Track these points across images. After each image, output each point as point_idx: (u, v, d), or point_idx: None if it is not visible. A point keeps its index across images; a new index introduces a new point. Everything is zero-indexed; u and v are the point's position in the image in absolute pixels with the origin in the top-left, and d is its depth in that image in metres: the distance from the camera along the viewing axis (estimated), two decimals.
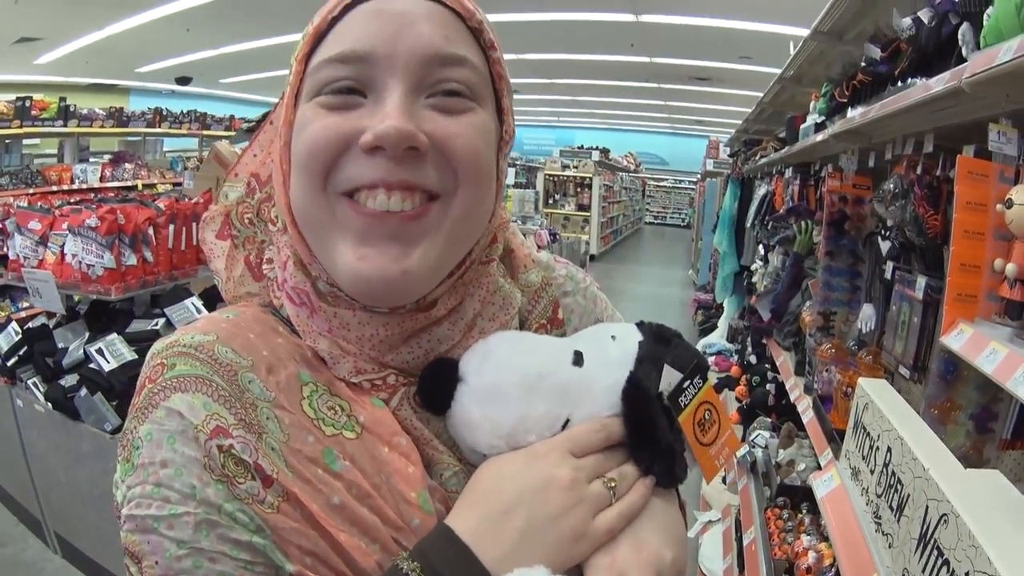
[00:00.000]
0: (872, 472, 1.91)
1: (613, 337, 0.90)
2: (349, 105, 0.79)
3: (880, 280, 2.97)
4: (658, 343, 0.90)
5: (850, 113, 3.19)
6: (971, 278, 1.94)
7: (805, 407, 3.52)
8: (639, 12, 12.17)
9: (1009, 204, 1.77)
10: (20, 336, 4.29)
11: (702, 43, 13.40)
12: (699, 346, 8.17)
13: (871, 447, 1.91)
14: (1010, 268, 1.77)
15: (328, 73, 0.80)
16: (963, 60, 2.00)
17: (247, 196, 0.94)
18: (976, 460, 2.11)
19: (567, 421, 0.83)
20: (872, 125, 3.00)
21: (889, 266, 2.78)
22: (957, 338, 1.89)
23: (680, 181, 34.51)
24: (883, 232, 2.82)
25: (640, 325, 0.93)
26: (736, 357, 6.79)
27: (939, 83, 2.07)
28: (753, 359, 5.28)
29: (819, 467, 3.15)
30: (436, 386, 0.85)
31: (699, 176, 18.36)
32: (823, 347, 3.31)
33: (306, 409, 0.81)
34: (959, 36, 2.05)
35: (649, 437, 0.84)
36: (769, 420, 4.30)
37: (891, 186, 2.71)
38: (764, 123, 7.63)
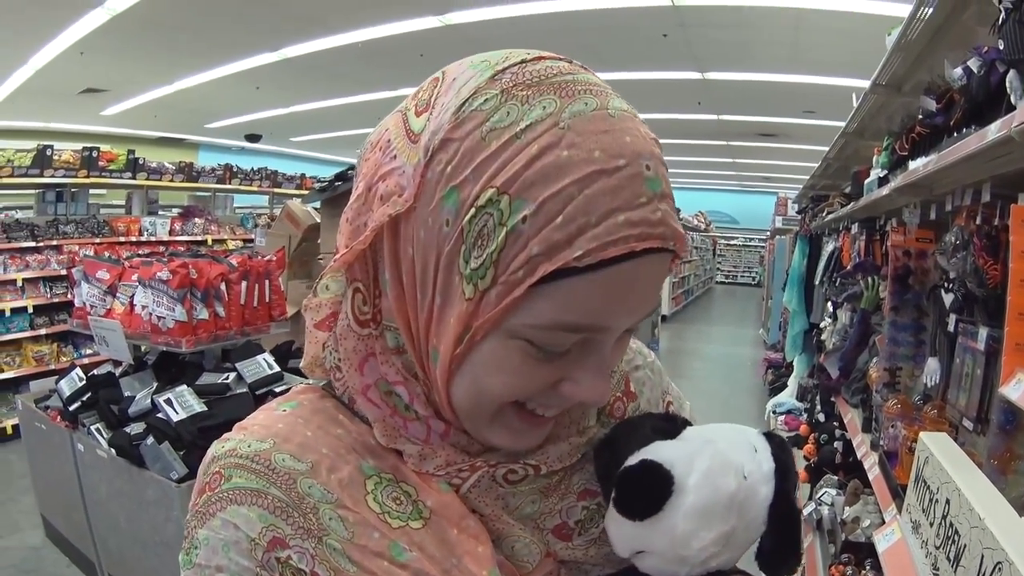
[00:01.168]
0: (932, 525, 1.88)
1: (754, 448, 0.90)
2: (559, 355, 0.76)
3: (944, 333, 2.93)
4: (784, 454, 0.92)
5: (911, 165, 3.19)
6: None
7: (871, 464, 3.46)
8: (704, 70, 12.24)
9: None
10: (84, 382, 4.33)
11: (766, 99, 13.38)
12: (769, 405, 8.06)
13: (931, 500, 1.90)
14: None
15: (558, 339, 0.73)
16: (1012, 108, 2.01)
17: (362, 304, 0.83)
18: None
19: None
20: (932, 177, 3.00)
21: (952, 319, 2.73)
22: (1016, 388, 1.88)
23: (750, 239, 34.18)
24: (946, 285, 2.80)
25: (767, 436, 0.95)
26: (805, 416, 6.67)
27: (992, 132, 2.09)
28: (821, 417, 5.20)
29: (883, 523, 3.08)
30: (645, 493, 0.82)
31: (768, 234, 18.20)
32: (889, 403, 3.26)
33: (371, 504, 0.81)
34: (1007, 84, 2.07)
35: (794, 552, 0.89)
36: (836, 478, 4.22)
37: (952, 238, 2.69)
38: (830, 178, 7.58)
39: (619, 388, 1.03)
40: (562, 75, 0.72)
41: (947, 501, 1.81)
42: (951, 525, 1.75)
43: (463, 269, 0.70)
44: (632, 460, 0.84)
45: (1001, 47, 2.15)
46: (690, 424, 0.98)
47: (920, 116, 3.05)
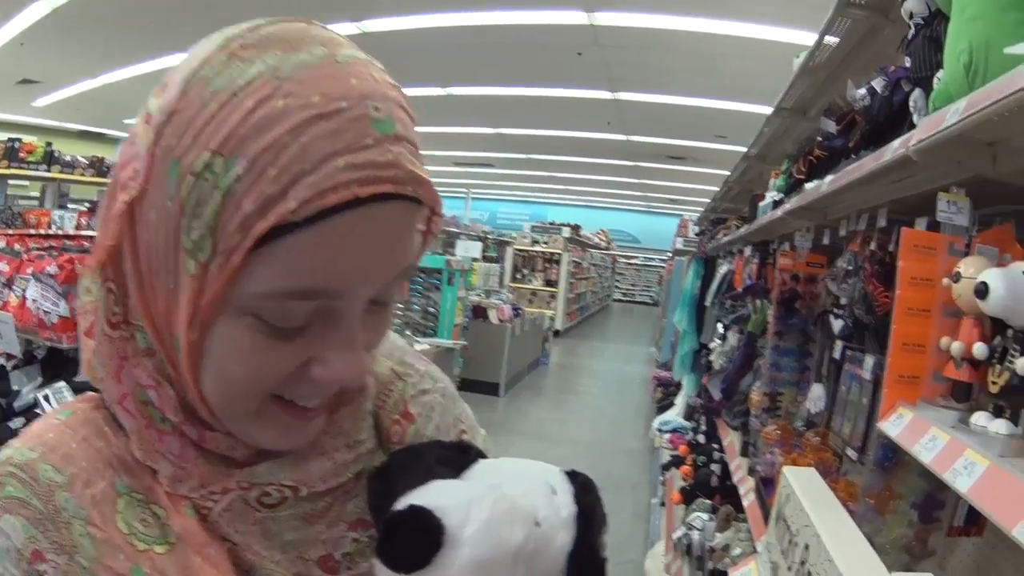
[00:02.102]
0: (790, 570, 1.75)
1: (552, 489, 0.83)
2: (297, 331, 0.71)
3: (831, 360, 2.86)
4: (588, 497, 0.87)
5: (807, 188, 3.11)
6: (915, 358, 1.81)
7: (747, 489, 3.37)
8: (616, 90, 12.32)
9: (957, 278, 1.65)
10: None
11: (678, 122, 13.59)
12: (655, 423, 8.04)
13: (790, 542, 1.76)
14: (956, 347, 1.64)
15: (288, 310, 0.68)
16: (914, 127, 1.91)
17: (114, 304, 0.78)
18: (920, 551, 1.97)
19: None
20: (826, 200, 2.92)
21: (839, 345, 2.66)
22: (895, 423, 1.75)
23: (651, 259, 34.74)
24: (835, 311, 2.72)
25: (570, 475, 0.89)
26: (691, 435, 6.65)
27: (889, 152, 1.98)
28: (701, 438, 5.13)
29: (755, 552, 2.98)
30: (411, 545, 0.73)
31: (670, 254, 18.49)
32: (768, 428, 3.17)
33: (120, 524, 0.77)
34: (911, 103, 1.97)
35: None
36: (708, 502, 4.12)
37: (844, 263, 2.61)
38: (732, 201, 7.61)
39: (398, 409, 0.97)
40: (294, 33, 0.67)
41: (806, 546, 1.67)
42: (809, 574, 1.61)
43: (186, 244, 0.66)
44: (401, 503, 0.75)
45: (908, 64, 2.05)
46: (484, 456, 0.90)
47: (819, 139, 2.96)
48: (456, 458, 0.85)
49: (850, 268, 2.58)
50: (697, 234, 10.12)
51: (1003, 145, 1.71)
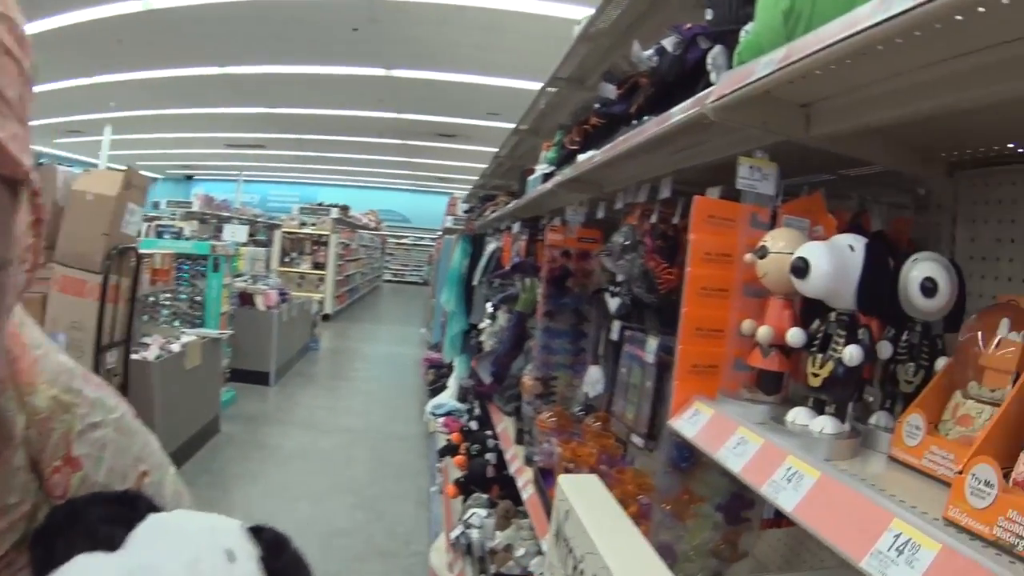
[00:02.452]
0: None
1: (230, 556, 0.71)
2: None
3: (608, 341, 2.64)
4: (281, 559, 0.77)
5: (580, 159, 2.87)
6: (711, 344, 1.58)
7: (524, 481, 3.11)
8: (391, 67, 12.02)
9: (763, 253, 1.42)
10: None
11: (451, 99, 13.47)
12: (428, 407, 7.75)
13: (575, 568, 1.47)
14: (763, 331, 1.41)
15: None
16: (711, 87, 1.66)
17: None
18: (730, 554, 1.79)
19: None
20: (601, 171, 2.68)
21: (617, 325, 2.47)
22: (691, 421, 1.51)
23: (421, 239, 34.57)
24: (612, 289, 2.49)
25: (255, 531, 0.78)
26: (466, 417, 6.39)
27: (679, 114, 1.73)
28: (475, 425, 4.87)
29: (540, 553, 2.73)
30: None
31: (439, 233, 18.33)
32: (543, 416, 2.93)
33: None
34: (708, 61, 1.72)
35: None
36: (485, 497, 3.86)
37: (621, 238, 2.40)
38: (502, 178, 7.42)
39: (59, 453, 0.81)
40: None
41: None
42: None
43: None
44: None
45: (709, 17, 1.81)
46: (156, 509, 0.77)
47: (597, 105, 2.71)
48: (123, 515, 0.73)
49: (628, 243, 2.36)
50: (466, 212, 9.93)
51: (820, 106, 1.49)
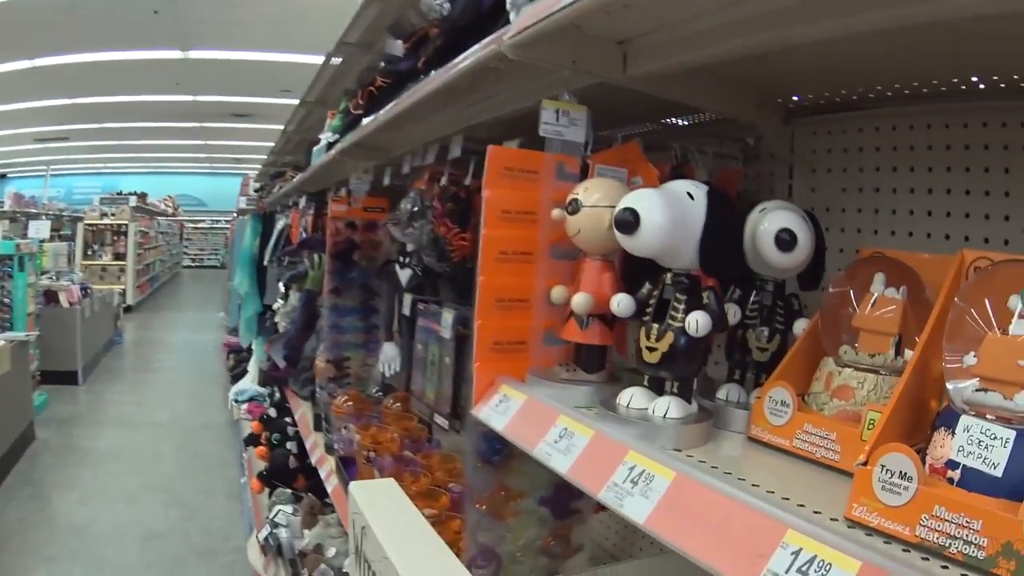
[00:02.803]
0: None
1: None
2: None
3: (401, 315, 2.28)
4: None
5: (363, 123, 2.46)
6: (515, 317, 1.26)
7: (327, 472, 2.71)
8: (187, 48, 11.09)
9: (574, 207, 1.11)
10: None
11: (245, 78, 12.68)
12: (231, 394, 7.08)
13: None
14: (579, 300, 1.11)
15: None
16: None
17: None
18: (562, 550, 1.52)
19: None
20: (386, 135, 2.31)
21: (409, 299, 2.13)
22: (500, 409, 1.19)
23: (217, 221, 32.49)
24: (401, 260, 2.13)
25: None
26: (268, 402, 5.83)
27: (471, 57, 1.38)
28: (273, 412, 4.35)
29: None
30: None
31: (235, 214, 17.26)
32: (338, 400, 2.55)
33: None
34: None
35: None
36: (289, 491, 3.39)
37: (408, 204, 2.06)
38: (292, 153, 6.80)
39: None
40: None
41: None
42: None
43: None
44: None
45: None
46: None
47: (382, 64, 2.30)
48: None
49: (416, 209, 2.04)
50: (256, 191, 9.19)
51: (639, 43, 1.21)
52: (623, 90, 1.25)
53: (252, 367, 7.00)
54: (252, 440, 4.32)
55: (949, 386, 0.88)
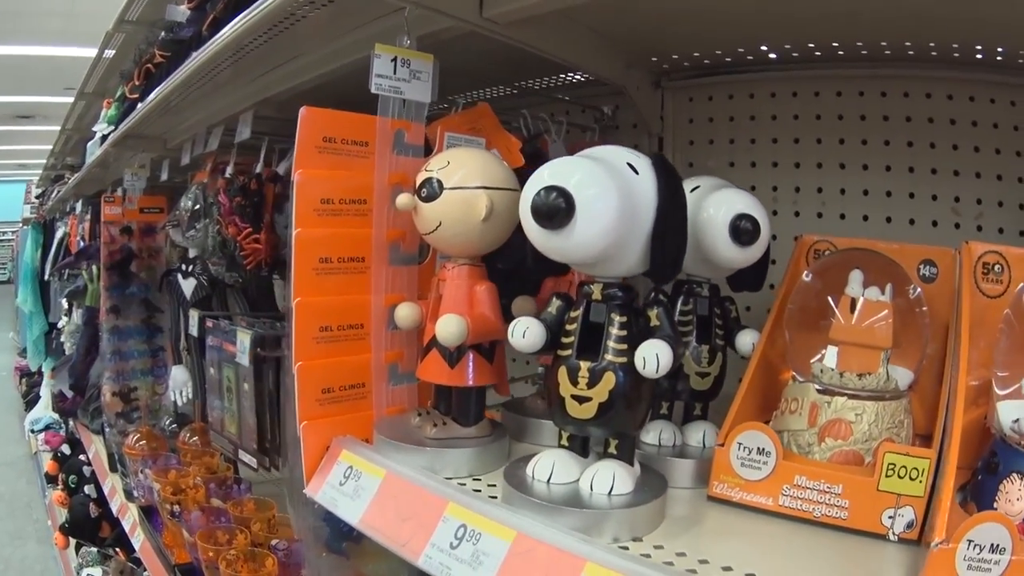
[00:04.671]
0: None
1: None
2: None
3: (187, 334, 1.74)
4: None
5: (138, 108, 1.83)
6: (348, 350, 0.79)
7: (131, 524, 2.07)
8: None
9: (431, 192, 0.68)
10: None
11: (28, 76, 10.80)
12: (26, 423, 5.91)
13: None
14: (449, 325, 0.68)
15: None
16: None
17: None
18: None
19: None
20: (162, 120, 1.72)
21: (195, 314, 1.63)
22: (349, 491, 0.73)
23: (4, 233, 28.47)
24: (183, 268, 1.66)
25: None
26: (64, 431, 4.81)
27: (261, 10, 0.89)
28: (67, 449, 3.46)
29: None
30: None
31: (21, 224, 15.03)
32: (130, 440, 1.93)
33: None
34: None
35: None
36: (96, 551, 2.62)
37: (188, 202, 1.57)
38: (72, 154, 5.68)
39: None
40: None
41: None
42: None
43: None
44: None
45: None
46: None
47: (162, 34, 1.67)
48: None
49: (198, 207, 1.55)
50: (37, 197, 7.81)
51: None
52: (472, 40, 0.83)
53: (44, 391, 5.88)
54: (50, 479, 3.46)
55: (1001, 413, 0.55)
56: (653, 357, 0.56)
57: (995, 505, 0.53)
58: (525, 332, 0.60)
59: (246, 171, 1.44)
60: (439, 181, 0.68)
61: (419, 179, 0.71)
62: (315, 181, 0.74)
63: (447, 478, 0.68)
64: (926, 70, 0.95)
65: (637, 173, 0.58)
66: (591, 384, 0.59)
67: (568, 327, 0.62)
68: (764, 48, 1.00)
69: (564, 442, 0.64)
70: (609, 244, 0.56)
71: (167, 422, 1.96)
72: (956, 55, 0.90)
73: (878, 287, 0.69)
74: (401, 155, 0.78)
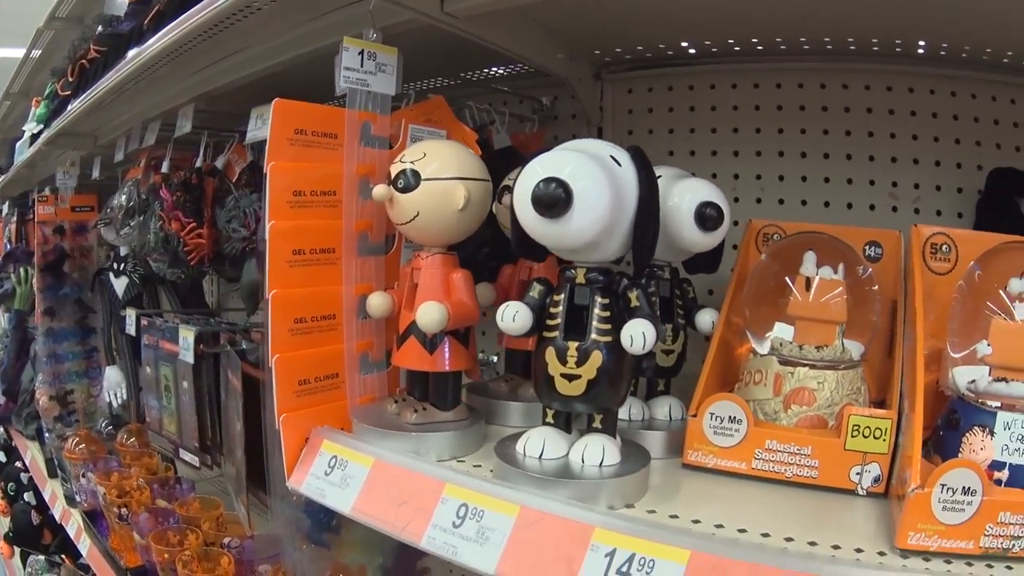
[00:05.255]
0: None
1: None
2: None
3: (123, 333, 1.68)
4: None
5: (72, 106, 1.71)
6: (321, 341, 0.77)
7: (76, 530, 1.95)
8: None
9: (407, 182, 0.68)
10: None
11: None
12: None
13: None
14: (431, 312, 0.67)
15: None
16: None
17: None
18: None
19: None
20: (96, 117, 1.62)
21: (132, 314, 1.56)
22: (337, 480, 0.71)
23: None
24: (115, 267, 1.58)
25: None
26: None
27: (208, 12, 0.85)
28: (2, 456, 3.23)
29: None
30: None
31: None
32: (69, 444, 1.83)
33: None
34: None
35: None
36: (43, 559, 2.47)
37: (122, 199, 1.51)
38: (3, 155, 5.30)
39: None
40: None
41: None
42: None
43: None
44: None
45: None
46: None
47: (99, 29, 1.56)
48: None
49: (132, 204, 1.48)
50: None
51: None
52: (421, 33, 0.81)
53: None
54: None
55: (957, 376, 0.59)
56: (640, 335, 0.57)
57: (959, 455, 0.56)
58: (515, 315, 0.60)
59: (180, 166, 1.38)
60: (415, 172, 0.67)
61: (394, 170, 0.69)
62: (287, 173, 0.71)
63: (456, 467, 0.67)
64: (866, 63, 0.98)
65: (620, 165, 0.59)
66: (580, 363, 0.60)
67: (552, 310, 0.62)
68: (708, 43, 1.01)
69: (549, 420, 0.64)
70: (601, 231, 0.57)
71: (103, 424, 1.87)
72: (898, 49, 0.93)
73: (831, 267, 0.72)
74: (367, 147, 0.76)
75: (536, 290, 0.63)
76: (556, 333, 0.61)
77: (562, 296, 0.62)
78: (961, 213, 0.98)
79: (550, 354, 0.61)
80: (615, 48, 1.07)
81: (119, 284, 1.53)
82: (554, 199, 0.54)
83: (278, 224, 0.70)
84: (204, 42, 1.06)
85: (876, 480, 0.61)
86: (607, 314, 0.61)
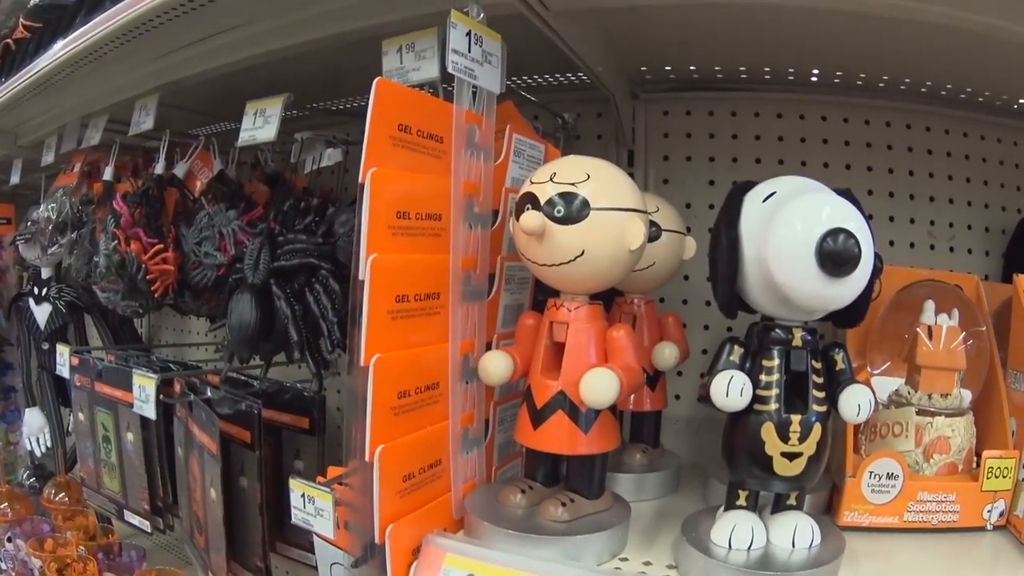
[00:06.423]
0: None
1: None
2: None
3: (47, 369, 1.35)
4: None
5: None
6: (423, 417, 0.55)
7: None
8: None
9: (570, 212, 0.49)
10: None
11: None
12: None
13: None
14: (613, 383, 0.55)
15: None
16: None
17: None
18: None
19: None
20: (13, 112, 1.27)
21: (65, 352, 1.22)
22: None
23: None
24: (36, 292, 1.28)
25: None
26: None
27: None
28: None
29: None
30: None
31: None
32: None
33: None
34: None
35: None
36: None
37: (50, 212, 1.20)
38: None
39: None
40: None
41: None
42: None
43: None
44: None
45: None
46: None
47: (32, 3, 1.20)
48: None
49: (63, 218, 1.18)
50: None
51: None
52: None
53: None
54: None
55: None
56: (867, 404, 0.47)
57: None
58: (743, 390, 0.44)
59: (142, 168, 1.10)
60: (583, 198, 0.48)
61: (543, 193, 0.49)
62: (392, 184, 0.49)
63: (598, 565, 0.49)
64: (907, 103, 0.93)
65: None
66: (802, 439, 0.46)
67: (762, 377, 0.46)
68: (766, 69, 0.90)
69: (742, 502, 0.49)
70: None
71: (25, 475, 1.50)
72: (943, 93, 0.89)
73: (946, 313, 0.68)
74: (472, 158, 0.56)
75: (736, 353, 0.47)
76: (775, 405, 0.46)
77: (776, 362, 0.46)
78: (988, 251, 0.96)
79: (767, 431, 0.46)
80: (664, 65, 0.92)
81: (40, 312, 1.20)
82: (851, 257, 0.41)
83: (381, 260, 0.49)
84: (181, 17, 0.80)
85: (1001, 515, 0.63)
86: (821, 380, 0.48)
